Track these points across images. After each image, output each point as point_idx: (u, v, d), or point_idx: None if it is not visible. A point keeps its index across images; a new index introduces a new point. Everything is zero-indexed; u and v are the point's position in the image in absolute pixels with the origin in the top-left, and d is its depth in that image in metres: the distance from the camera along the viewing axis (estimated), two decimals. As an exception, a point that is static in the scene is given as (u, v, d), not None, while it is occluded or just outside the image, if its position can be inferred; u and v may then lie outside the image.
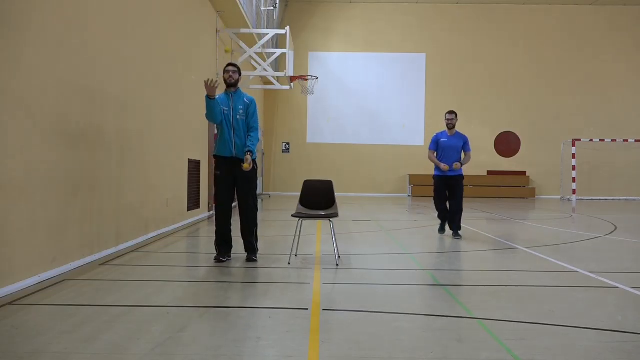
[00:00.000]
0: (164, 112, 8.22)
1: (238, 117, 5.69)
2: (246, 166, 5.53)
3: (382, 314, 3.83)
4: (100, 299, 4.22)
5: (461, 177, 7.85)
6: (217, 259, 5.65)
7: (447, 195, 7.88)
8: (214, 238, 5.79)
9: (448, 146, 7.81)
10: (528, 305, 4.12)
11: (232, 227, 5.80)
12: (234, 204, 5.99)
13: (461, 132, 7.98)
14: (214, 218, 5.85)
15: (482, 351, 3.05)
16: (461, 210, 7.83)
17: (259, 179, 19.70)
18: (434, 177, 8.00)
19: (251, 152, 5.60)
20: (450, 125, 7.86)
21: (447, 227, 8.11)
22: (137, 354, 2.93)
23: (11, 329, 3.40)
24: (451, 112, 7.95)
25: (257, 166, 5.82)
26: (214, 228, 5.80)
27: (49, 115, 4.75)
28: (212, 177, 11.34)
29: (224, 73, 5.83)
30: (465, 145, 7.88)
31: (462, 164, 7.73)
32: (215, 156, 5.82)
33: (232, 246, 5.82)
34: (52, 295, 4.23)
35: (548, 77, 22.28)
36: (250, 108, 5.77)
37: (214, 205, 5.93)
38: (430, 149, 8.05)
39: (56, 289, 4.43)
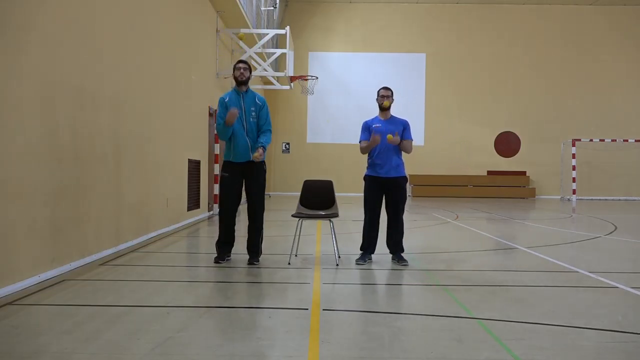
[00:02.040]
0: (164, 112, 8.22)
1: (251, 119, 5.59)
2: (256, 155, 5.47)
3: (382, 314, 3.83)
4: (100, 299, 4.23)
5: (403, 178, 5.94)
6: (217, 261, 5.63)
7: (385, 202, 5.95)
8: (216, 239, 5.76)
9: (383, 132, 5.90)
10: (528, 305, 4.12)
11: (235, 227, 5.76)
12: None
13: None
14: (219, 219, 5.81)
15: (482, 351, 3.05)
16: (402, 225, 5.89)
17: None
18: (365, 177, 6.01)
19: (263, 148, 5.55)
20: (384, 106, 6.08)
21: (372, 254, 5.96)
22: (137, 354, 2.93)
23: (11, 329, 3.41)
24: (387, 88, 6.16)
25: (266, 166, 5.80)
26: (217, 229, 5.75)
27: (49, 115, 4.75)
28: (210, 176, 11.48)
29: (234, 70, 5.70)
30: (405, 131, 6.05)
31: (400, 142, 5.89)
32: (226, 160, 5.71)
33: (233, 245, 5.79)
34: (52, 295, 4.22)
35: (548, 77, 22.27)
36: (262, 111, 5.68)
37: (219, 207, 5.86)
38: (361, 140, 6.05)
39: (56, 289, 4.42)
